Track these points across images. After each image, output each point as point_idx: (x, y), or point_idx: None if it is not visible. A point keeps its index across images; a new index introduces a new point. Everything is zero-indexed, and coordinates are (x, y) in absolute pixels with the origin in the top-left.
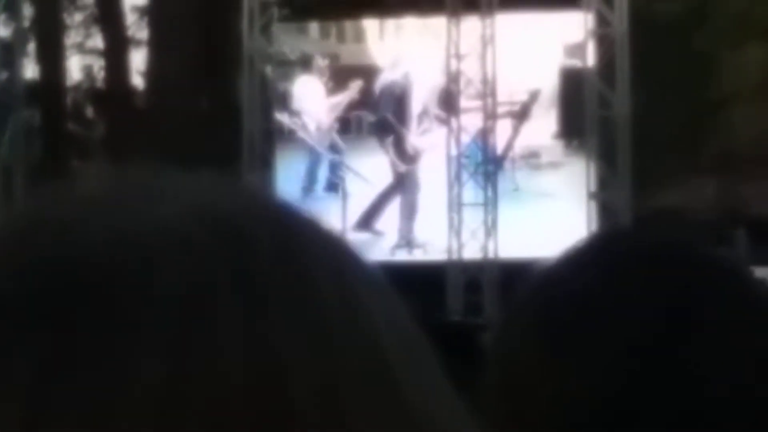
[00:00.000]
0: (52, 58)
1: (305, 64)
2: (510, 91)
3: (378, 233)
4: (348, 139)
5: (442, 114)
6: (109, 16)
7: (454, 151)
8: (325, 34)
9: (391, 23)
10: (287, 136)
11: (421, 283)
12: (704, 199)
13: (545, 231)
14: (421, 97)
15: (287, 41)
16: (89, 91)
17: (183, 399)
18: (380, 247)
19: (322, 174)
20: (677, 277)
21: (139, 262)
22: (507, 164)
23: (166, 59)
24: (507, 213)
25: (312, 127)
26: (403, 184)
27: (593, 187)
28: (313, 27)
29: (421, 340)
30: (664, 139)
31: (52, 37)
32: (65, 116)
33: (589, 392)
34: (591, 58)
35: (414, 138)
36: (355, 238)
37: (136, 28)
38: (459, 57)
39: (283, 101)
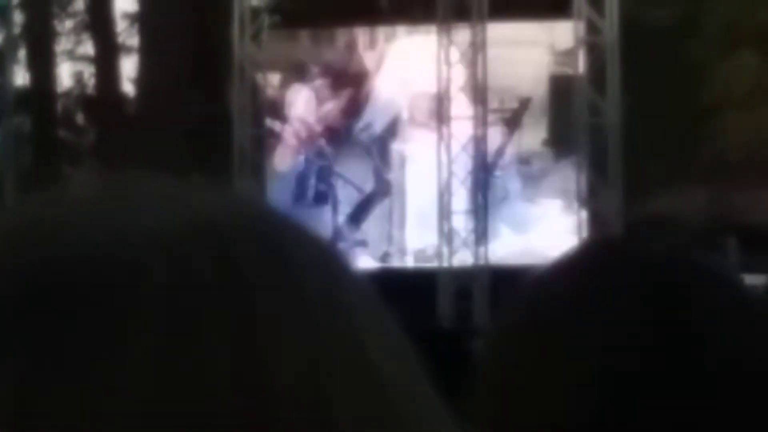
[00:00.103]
0: (42, 64)
1: (296, 71)
2: (501, 98)
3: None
4: (338, 146)
5: (433, 122)
6: (99, 23)
7: (444, 159)
8: (315, 41)
9: (381, 31)
10: (278, 143)
11: (411, 289)
12: (695, 207)
13: (536, 238)
14: (412, 105)
15: (278, 49)
16: (80, 98)
17: (171, 402)
18: (370, 254)
19: (312, 181)
20: (669, 285)
21: (127, 266)
22: (498, 171)
23: (156, 66)
24: (498, 220)
25: (303, 134)
26: (391, 191)
27: (584, 195)
28: (304, 34)
29: (406, 344)
30: (654, 146)
31: (43, 44)
32: (56, 123)
33: (581, 399)
34: (581, 66)
35: (404, 145)
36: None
37: (127, 35)
38: (449, 65)
39: (274, 108)
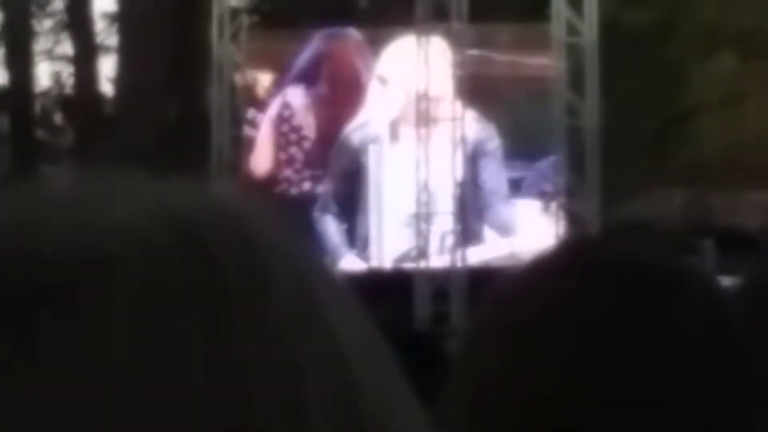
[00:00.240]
0: (20, 64)
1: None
2: (479, 99)
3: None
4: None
5: (413, 124)
6: (78, 23)
7: (422, 160)
8: (294, 42)
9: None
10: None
11: (388, 291)
12: (672, 209)
13: (513, 240)
14: (391, 107)
15: (257, 49)
16: (58, 98)
17: (145, 395)
18: (349, 255)
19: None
20: (645, 287)
21: (100, 262)
22: (482, 173)
23: (135, 66)
24: (475, 222)
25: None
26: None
27: (561, 197)
28: (283, 35)
29: (381, 342)
30: (632, 148)
31: (21, 44)
32: (34, 123)
33: (557, 398)
34: (560, 68)
35: (384, 146)
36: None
37: (106, 34)
38: (429, 68)
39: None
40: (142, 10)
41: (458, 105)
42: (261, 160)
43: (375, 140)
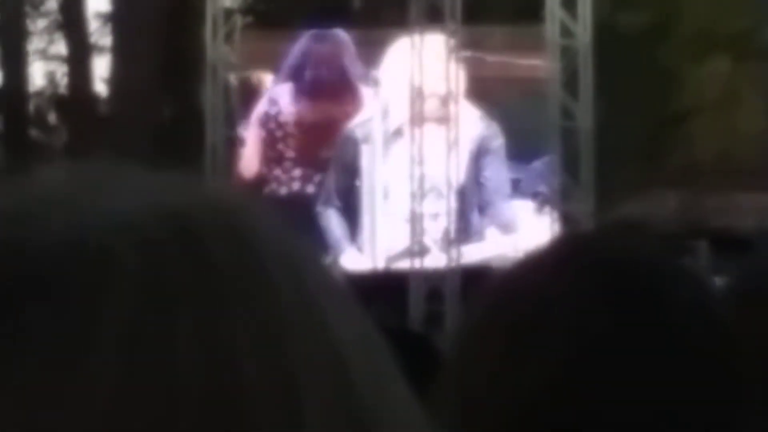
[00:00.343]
0: (14, 64)
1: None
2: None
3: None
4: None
5: (407, 125)
6: (72, 23)
7: (417, 161)
8: (288, 43)
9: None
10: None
11: (383, 292)
12: (667, 210)
13: (507, 241)
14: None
15: (251, 49)
16: (52, 98)
17: (140, 387)
18: (351, 249)
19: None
20: (639, 286)
21: (96, 254)
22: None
23: (129, 66)
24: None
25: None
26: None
27: (556, 198)
28: (277, 36)
29: (377, 338)
30: (627, 150)
31: (15, 43)
32: (27, 123)
33: (548, 396)
34: (554, 69)
35: (380, 146)
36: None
37: (100, 34)
38: (422, 70)
39: (247, 110)
40: (136, 11)
41: (457, 104)
42: (250, 158)
43: (373, 139)
